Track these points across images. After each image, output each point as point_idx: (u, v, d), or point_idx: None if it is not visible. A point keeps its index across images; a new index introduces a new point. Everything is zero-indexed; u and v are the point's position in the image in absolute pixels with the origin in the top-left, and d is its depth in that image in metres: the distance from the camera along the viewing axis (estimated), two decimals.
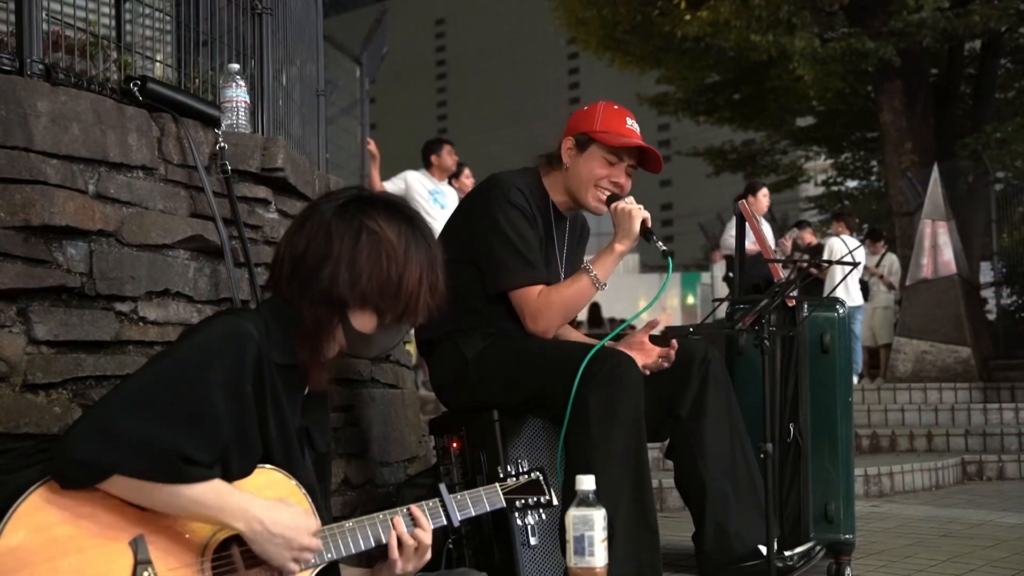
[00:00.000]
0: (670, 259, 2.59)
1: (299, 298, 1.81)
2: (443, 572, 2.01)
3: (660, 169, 2.78)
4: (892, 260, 12.03)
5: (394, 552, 1.79)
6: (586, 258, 2.76)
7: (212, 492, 1.61)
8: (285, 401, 1.80)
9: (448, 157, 7.47)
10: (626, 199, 2.72)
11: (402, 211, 1.88)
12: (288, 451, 1.81)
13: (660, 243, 2.63)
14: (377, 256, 1.80)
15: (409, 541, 1.81)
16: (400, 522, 1.81)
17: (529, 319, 2.65)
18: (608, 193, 2.75)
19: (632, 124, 2.77)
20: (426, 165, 7.51)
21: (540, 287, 2.66)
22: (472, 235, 2.74)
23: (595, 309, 18.63)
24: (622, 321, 10.76)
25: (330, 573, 1.82)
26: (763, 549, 2.57)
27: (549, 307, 2.64)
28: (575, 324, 3.17)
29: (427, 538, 1.83)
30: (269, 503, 1.67)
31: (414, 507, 1.86)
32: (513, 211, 2.69)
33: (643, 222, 2.65)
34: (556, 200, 2.83)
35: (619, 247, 2.66)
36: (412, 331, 2.92)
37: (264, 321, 1.78)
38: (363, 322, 1.83)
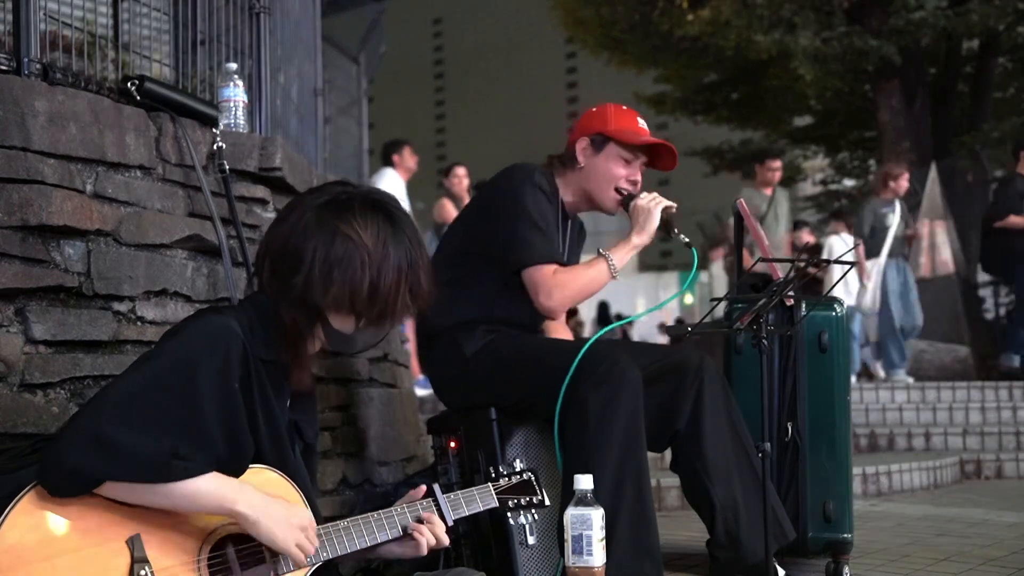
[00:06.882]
0: (694, 251, 2.66)
1: (277, 299, 1.81)
2: (441, 572, 2.01)
3: (675, 165, 2.83)
4: None
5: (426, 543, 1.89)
6: (602, 250, 2.78)
7: (206, 483, 1.62)
8: (273, 396, 1.80)
9: (409, 158, 7.58)
10: (642, 195, 2.77)
11: (384, 210, 1.84)
12: (278, 447, 1.81)
13: (682, 236, 2.71)
14: (350, 263, 1.77)
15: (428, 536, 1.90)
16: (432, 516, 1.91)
17: (543, 295, 2.67)
18: (626, 193, 2.80)
19: (642, 123, 2.83)
20: (389, 164, 7.57)
21: (556, 266, 2.69)
22: (490, 219, 2.76)
23: (603, 307, 18.73)
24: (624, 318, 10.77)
25: (326, 573, 1.82)
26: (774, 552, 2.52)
27: (564, 286, 2.66)
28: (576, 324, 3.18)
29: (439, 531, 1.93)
30: (264, 495, 1.68)
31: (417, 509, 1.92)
32: (538, 193, 2.74)
33: (665, 216, 2.70)
34: (565, 200, 2.87)
35: (635, 240, 2.72)
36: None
37: (248, 317, 1.79)
38: (341, 323, 1.83)
